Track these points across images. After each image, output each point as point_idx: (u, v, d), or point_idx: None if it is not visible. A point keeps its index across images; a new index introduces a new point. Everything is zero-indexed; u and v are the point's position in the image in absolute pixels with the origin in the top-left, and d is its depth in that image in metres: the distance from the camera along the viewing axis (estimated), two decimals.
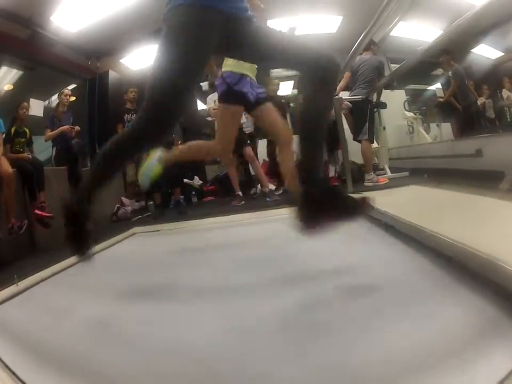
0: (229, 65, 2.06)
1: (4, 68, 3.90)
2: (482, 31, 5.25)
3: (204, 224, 2.66)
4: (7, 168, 2.59)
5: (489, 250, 0.88)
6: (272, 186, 3.67)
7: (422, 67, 5.53)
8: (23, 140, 3.09)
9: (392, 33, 4.94)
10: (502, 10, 1.49)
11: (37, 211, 2.74)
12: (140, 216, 3.53)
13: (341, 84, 3.70)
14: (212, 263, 1.58)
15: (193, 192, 4.51)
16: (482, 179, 2.70)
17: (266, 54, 1.13)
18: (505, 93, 5.37)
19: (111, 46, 4.63)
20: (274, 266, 1.38)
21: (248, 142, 3.59)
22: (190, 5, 1.01)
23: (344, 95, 3.71)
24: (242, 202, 3.38)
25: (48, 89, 4.39)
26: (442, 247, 1.12)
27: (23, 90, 4.00)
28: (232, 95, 1.98)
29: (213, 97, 3.62)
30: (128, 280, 1.46)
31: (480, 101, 5.06)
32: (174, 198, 3.86)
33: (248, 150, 3.52)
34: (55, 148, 3.56)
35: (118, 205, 3.85)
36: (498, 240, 0.99)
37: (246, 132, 3.60)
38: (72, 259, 1.79)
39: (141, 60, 5.02)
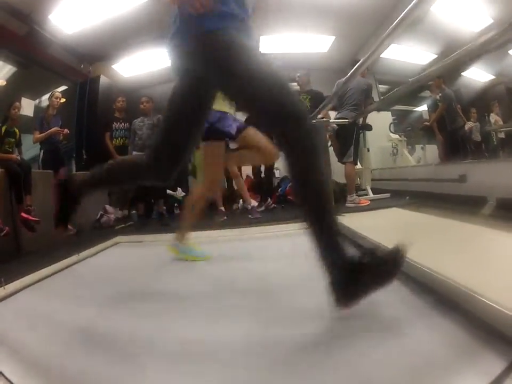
0: None
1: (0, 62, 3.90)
2: (474, 57, 5.32)
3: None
4: None
5: (464, 280, 0.93)
6: (254, 203, 3.69)
7: (409, 89, 5.57)
8: (13, 140, 3.08)
9: (382, 55, 4.98)
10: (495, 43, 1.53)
11: (23, 214, 2.72)
12: (123, 225, 3.55)
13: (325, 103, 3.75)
14: (193, 280, 1.63)
15: (175, 204, 4.48)
16: (465, 204, 2.78)
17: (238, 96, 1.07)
18: (493, 117, 5.45)
19: (104, 51, 4.63)
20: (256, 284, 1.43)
21: None
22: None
23: (331, 114, 3.76)
24: (225, 217, 3.40)
25: (39, 89, 4.39)
26: (420, 276, 1.15)
27: (15, 88, 3.99)
28: (213, 133, 1.97)
29: None
30: (109, 288, 1.52)
31: (468, 125, 5.13)
32: (157, 209, 3.88)
33: (233, 167, 3.54)
34: (42, 150, 3.55)
35: (102, 212, 3.86)
36: (473, 269, 1.06)
37: (231, 148, 3.61)
38: (58, 265, 1.92)
39: (133, 67, 5.06)
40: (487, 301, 0.82)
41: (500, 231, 1.64)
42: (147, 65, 5.07)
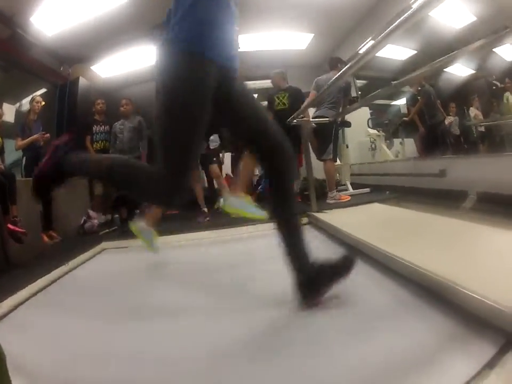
0: None
1: None
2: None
3: (173, 241, 2.69)
4: None
5: (451, 274, 1.02)
6: None
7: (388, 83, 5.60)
8: None
9: (361, 51, 5.03)
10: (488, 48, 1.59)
11: (9, 226, 2.65)
12: (107, 230, 3.52)
13: (307, 103, 3.77)
14: (181, 283, 1.67)
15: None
16: (446, 198, 2.83)
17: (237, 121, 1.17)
18: (472, 111, 5.50)
19: (84, 53, 4.63)
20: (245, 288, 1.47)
21: (214, 159, 3.63)
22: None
23: (310, 111, 3.78)
24: (207, 218, 3.43)
25: (19, 92, 4.36)
26: (403, 270, 1.27)
27: None
28: None
29: None
30: (100, 300, 1.52)
31: (448, 120, 5.20)
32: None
33: (214, 167, 3.56)
34: (24, 157, 3.52)
35: (85, 218, 3.81)
36: (458, 263, 1.16)
37: (211, 148, 3.64)
38: (49, 277, 1.91)
39: (111, 67, 5.05)
40: (472, 293, 0.91)
41: (481, 225, 1.72)
42: (125, 65, 5.08)
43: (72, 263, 2.20)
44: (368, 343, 0.92)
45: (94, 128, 4.06)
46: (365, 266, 1.49)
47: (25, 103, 4.13)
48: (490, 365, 0.76)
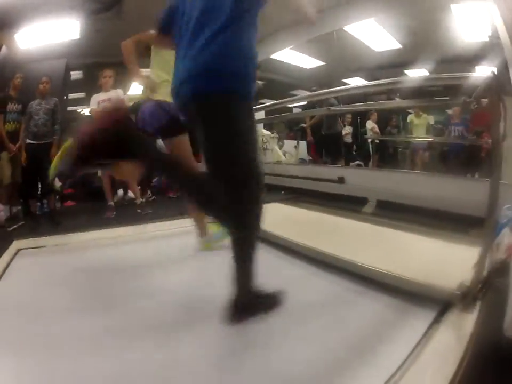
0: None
1: None
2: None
3: (89, 239, 2.56)
4: None
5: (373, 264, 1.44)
6: (143, 199, 3.84)
7: (283, 87, 5.93)
8: None
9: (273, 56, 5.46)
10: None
11: None
12: (15, 226, 3.24)
13: None
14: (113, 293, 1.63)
15: (56, 196, 4.14)
16: (346, 202, 3.29)
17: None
18: (370, 124, 6.18)
19: (13, 17, 4.25)
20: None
21: None
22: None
23: None
24: (114, 213, 3.53)
25: None
26: (335, 263, 1.64)
27: None
28: (179, 126, 1.81)
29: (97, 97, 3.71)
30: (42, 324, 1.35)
31: (345, 130, 5.84)
32: (48, 204, 3.73)
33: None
34: None
35: None
36: (375, 258, 1.52)
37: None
38: None
39: (31, 38, 4.72)
40: (405, 277, 1.33)
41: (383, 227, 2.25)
42: (41, 37, 4.77)
43: None
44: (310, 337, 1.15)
45: (8, 107, 3.72)
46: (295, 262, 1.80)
47: None
48: (436, 321, 1.14)
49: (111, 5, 4.40)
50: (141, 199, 3.74)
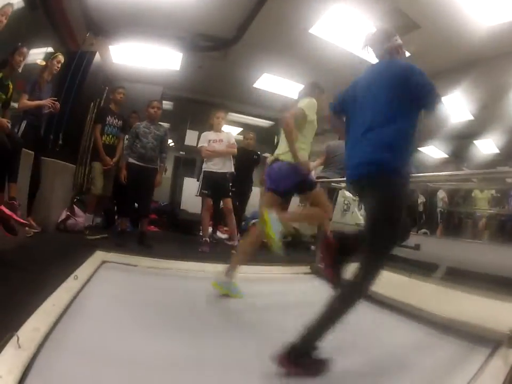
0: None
1: None
2: None
3: (183, 268, 2.63)
4: None
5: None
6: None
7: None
8: (4, 96, 2.42)
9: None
10: None
11: (5, 209, 2.06)
12: (97, 237, 3.26)
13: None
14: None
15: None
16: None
17: None
18: (441, 193, 6.14)
19: (111, 26, 4.09)
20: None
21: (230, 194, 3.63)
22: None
23: None
24: (208, 249, 3.41)
25: (33, 41, 3.48)
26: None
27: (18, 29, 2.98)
28: (309, 185, 2.23)
29: (207, 135, 3.66)
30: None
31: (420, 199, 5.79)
32: (140, 227, 3.54)
33: (228, 201, 3.55)
34: (25, 122, 2.86)
35: (68, 213, 3.45)
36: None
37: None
38: (59, 295, 1.59)
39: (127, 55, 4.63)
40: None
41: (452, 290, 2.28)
42: (138, 58, 4.72)
43: (80, 277, 1.91)
44: None
45: (108, 119, 3.63)
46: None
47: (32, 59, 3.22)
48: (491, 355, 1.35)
49: (222, 46, 4.35)
50: (237, 243, 3.53)
